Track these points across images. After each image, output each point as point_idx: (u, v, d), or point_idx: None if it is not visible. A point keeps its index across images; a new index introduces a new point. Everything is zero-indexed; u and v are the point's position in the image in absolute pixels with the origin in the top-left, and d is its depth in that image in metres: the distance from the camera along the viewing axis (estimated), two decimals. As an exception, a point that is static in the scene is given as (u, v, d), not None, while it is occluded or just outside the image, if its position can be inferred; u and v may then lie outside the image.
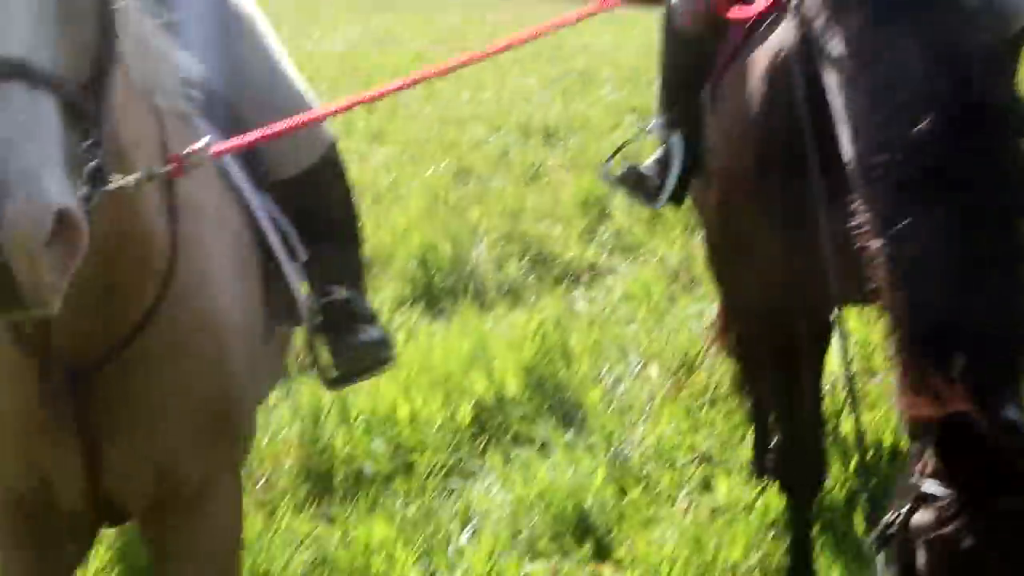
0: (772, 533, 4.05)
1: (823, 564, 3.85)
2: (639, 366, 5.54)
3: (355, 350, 3.18)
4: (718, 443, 4.77)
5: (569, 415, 5.00)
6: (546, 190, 8.69)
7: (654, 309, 6.35)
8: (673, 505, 4.28)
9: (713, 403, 5.07)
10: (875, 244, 2.62)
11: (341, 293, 3.12)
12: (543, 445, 4.73)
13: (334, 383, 3.26)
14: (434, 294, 6.66)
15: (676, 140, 3.93)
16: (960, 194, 2.55)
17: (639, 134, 4.44)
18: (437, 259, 6.89)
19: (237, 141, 2.55)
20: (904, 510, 2.58)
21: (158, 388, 2.39)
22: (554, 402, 5.07)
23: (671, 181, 3.93)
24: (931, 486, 2.51)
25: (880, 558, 2.70)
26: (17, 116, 1.72)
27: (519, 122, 11.21)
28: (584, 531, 4.08)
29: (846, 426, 4.73)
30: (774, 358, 3.69)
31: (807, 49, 2.99)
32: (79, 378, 2.29)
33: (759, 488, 4.30)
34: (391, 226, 7.50)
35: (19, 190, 1.65)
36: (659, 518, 4.15)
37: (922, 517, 2.53)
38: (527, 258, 7.22)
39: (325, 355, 3.14)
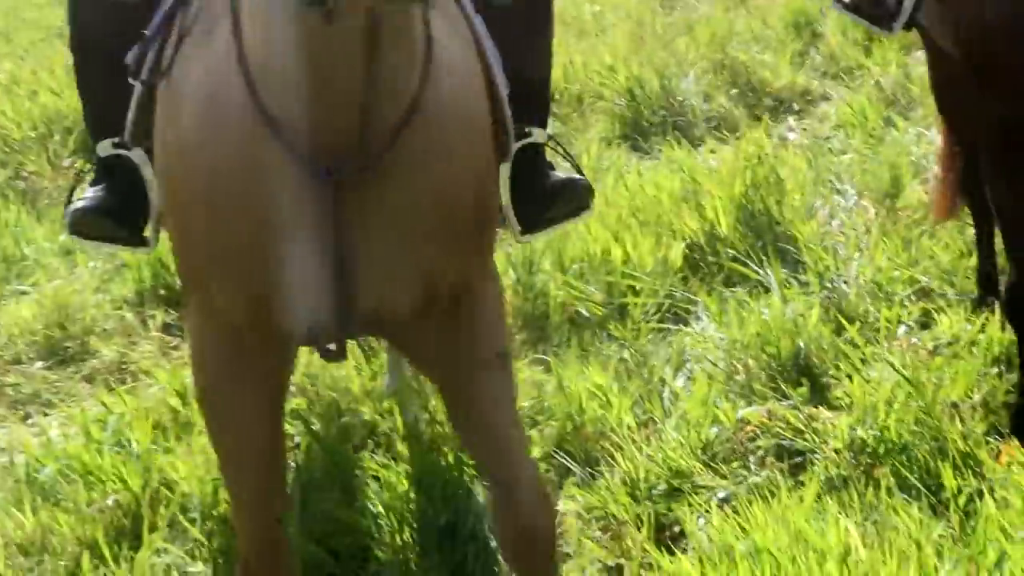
0: (997, 370, 3.97)
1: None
2: (855, 197, 5.41)
3: (549, 195, 3.14)
4: (939, 275, 4.66)
5: (782, 252, 4.91)
6: (755, 13, 8.43)
7: (870, 136, 6.16)
8: (892, 343, 4.22)
9: (933, 233, 4.93)
10: None
11: (541, 135, 3.09)
12: (757, 284, 4.70)
13: (526, 230, 3.17)
14: (643, 130, 6.62)
15: None
16: None
17: None
18: (644, 94, 6.82)
19: None
20: None
21: (420, 192, 2.36)
22: (767, 239, 4.98)
23: (909, 3, 3.68)
24: None
25: None
26: None
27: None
28: (800, 372, 4.06)
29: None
30: (1007, 178, 3.56)
31: None
32: (339, 181, 2.27)
33: (983, 322, 4.20)
34: (598, 61, 7.44)
35: None
36: (877, 357, 4.09)
37: None
38: (737, 88, 7.08)
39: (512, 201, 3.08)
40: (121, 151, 2.82)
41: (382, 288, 2.38)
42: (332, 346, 2.45)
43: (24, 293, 5.12)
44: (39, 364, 4.61)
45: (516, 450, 2.61)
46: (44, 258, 5.34)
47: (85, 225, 2.97)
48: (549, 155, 3.25)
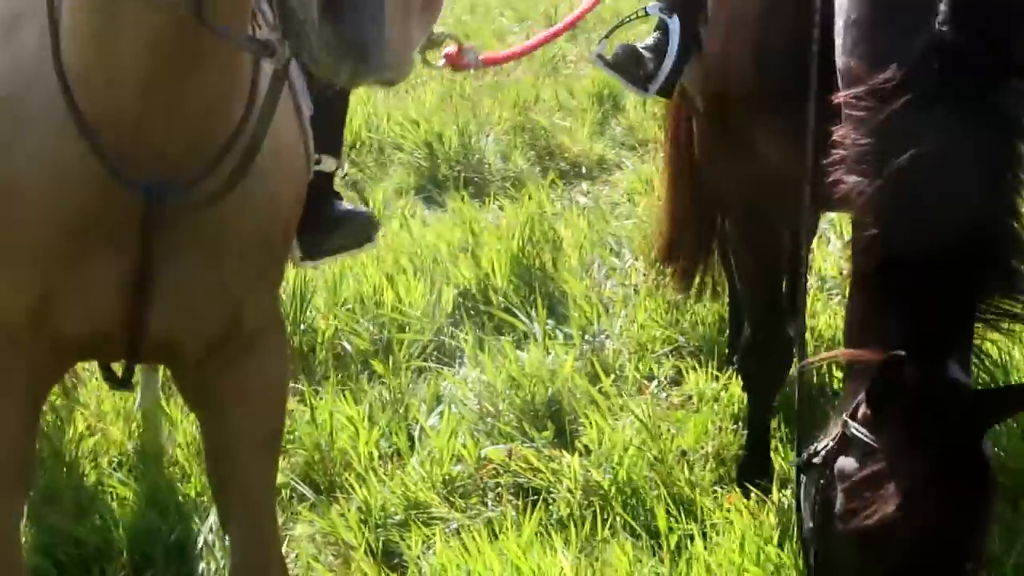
0: (734, 425, 4.15)
1: (779, 457, 3.94)
2: (630, 260, 5.61)
3: (333, 224, 3.14)
4: (696, 336, 4.86)
5: (553, 305, 5.08)
6: (563, 83, 8.69)
7: (655, 205, 6.39)
8: (640, 395, 4.38)
9: (698, 297, 5.14)
10: (852, 155, 2.68)
11: (329, 164, 3.09)
12: (524, 333, 4.84)
13: (307, 256, 3.11)
14: (438, 183, 6.75)
15: (674, 23, 3.81)
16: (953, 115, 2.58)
17: (633, 15, 4.37)
18: (443, 149, 6.97)
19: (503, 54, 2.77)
20: (828, 447, 2.67)
21: (235, 218, 2.30)
22: (538, 291, 5.14)
23: (667, 65, 3.81)
24: (858, 430, 2.59)
25: (803, 482, 2.79)
26: None
27: (546, 12, 11.12)
28: (551, 417, 4.18)
29: (819, 322, 4.82)
30: (753, 250, 3.75)
31: None
32: (153, 197, 2.19)
33: (726, 380, 4.39)
34: (403, 114, 7.58)
35: None
36: (626, 408, 4.25)
37: (845, 461, 2.59)
38: (535, 151, 7.28)
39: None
40: None
41: (181, 314, 2.33)
42: (117, 369, 2.45)
43: None
44: None
45: (265, 540, 2.66)
46: None
47: None
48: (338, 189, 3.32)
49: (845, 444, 2.61)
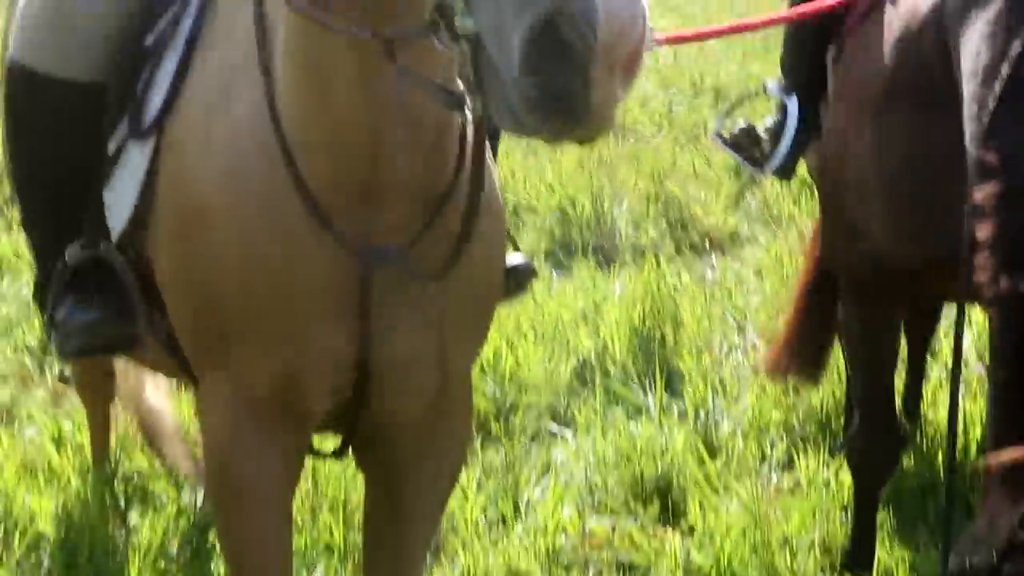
0: (840, 513, 4.12)
1: (886, 554, 3.89)
2: (752, 339, 5.63)
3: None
4: (812, 419, 4.84)
5: (670, 379, 5.09)
6: (701, 152, 8.73)
7: (784, 283, 6.38)
8: (752, 478, 4.40)
9: (817, 381, 5.12)
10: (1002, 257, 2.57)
11: None
12: (638, 408, 4.89)
13: None
14: (568, 249, 6.85)
15: (792, 103, 3.83)
16: None
17: (752, 95, 4.41)
18: (576, 214, 7.07)
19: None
20: (994, 551, 2.46)
21: (450, 284, 2.24)
22: (655, 365, 5.15)
23: (783, 146, 3.84)
24: None
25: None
26: None
27: (691, 79, 11.18)
28: (657, 494, 4.19)
29: (938, 414, 4.76)
30: (864, 336, 3.71)
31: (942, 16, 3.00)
32: (374, 260, 2.17)
33: (837, 467, 4.37)
34: (539, 177, 7.71)
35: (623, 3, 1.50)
36: (735, 489, 4.27)
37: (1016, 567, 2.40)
38: (667, 221, 7.33)
39: None
40: (90, 251, 2.52)
41: (401, 387, 2.31)
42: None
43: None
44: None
45: None
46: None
47: (92, 337, 2.56)
48: None
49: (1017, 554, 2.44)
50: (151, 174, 2.34)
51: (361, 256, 2.17)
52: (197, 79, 2.30)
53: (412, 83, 1.99)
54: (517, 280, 2.97)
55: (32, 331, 5.19)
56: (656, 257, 6.41)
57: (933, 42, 3.08)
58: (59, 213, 2.59)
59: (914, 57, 3.18)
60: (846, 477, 4.23)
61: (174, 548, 3.74)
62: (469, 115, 1.95)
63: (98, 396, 3.98)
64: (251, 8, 2.21)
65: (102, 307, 2.51)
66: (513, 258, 2.93)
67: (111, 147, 2.44)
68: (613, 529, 3.96)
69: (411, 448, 2.48)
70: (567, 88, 1.50)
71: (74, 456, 4.21)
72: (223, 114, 2.23)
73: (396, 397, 2.32)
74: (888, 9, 3.35)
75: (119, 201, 2.41)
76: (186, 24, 2.35)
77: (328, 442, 2.73)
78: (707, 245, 7.13)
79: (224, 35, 2.29)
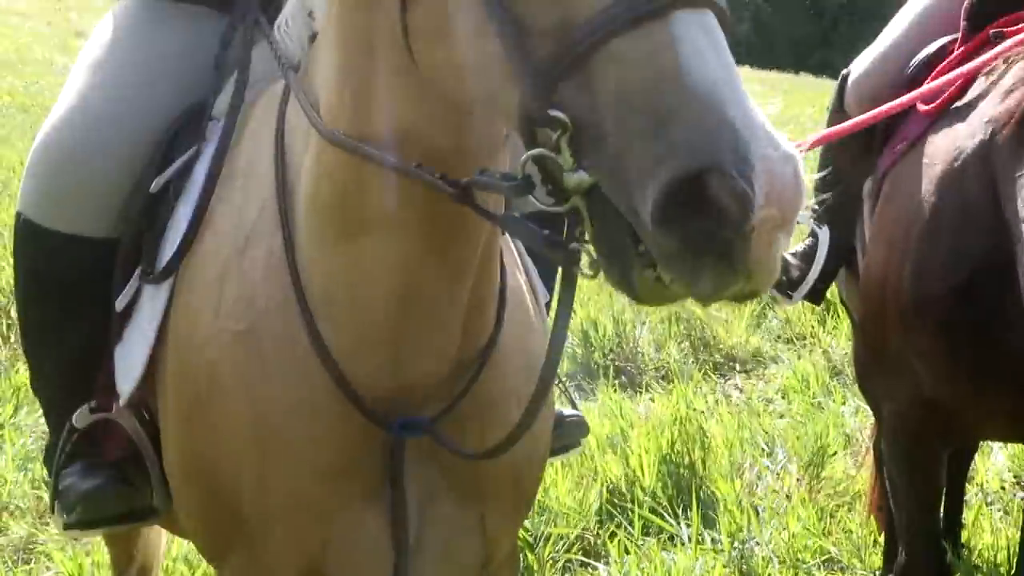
0: None
1: None
2: (783, 462, 5.53)
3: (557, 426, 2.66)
4: (849, 547, 4.74)
5: (702, 506, 5.01)
6: (721, 271, 8.68)
7: (810, 403, 6.32)
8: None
9: (851, 506, 5.05)
10: None
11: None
12: (671, 536, 4.79)
13: None
14: (590, 372, 6.79)
15: (824, 233, 3.79)
16: None
17: None
18: (599, 336, 7.02)
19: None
20: None
21: (490, 441, 1.99)
22: (687, 492, 5.08)
23: (812, 276, 3.79)
24: None
25: None
26: (726, 55, 1.39)
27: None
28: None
29: (983, 540, 4.66)
30: (907, 471, 3.64)
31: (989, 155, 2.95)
32: (406, 433, 1.97)
33: (882, 600, 4.26)
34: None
35: (769, 144, 1.32)
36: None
37: None
38: (689, 341, 7.28)
39: None
40: (100, 414, 2.36)
41: (440, 561, 2.10)
42: None
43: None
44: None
45: None
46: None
47: (94, 511, 2.36)
48: None
49: None
50: (161, 335, 2.16)
51: (391, 429, 1.96)
52: (210, 231, 2.12)
53: (514, 231, 1.76)
54: (568, 433, 2.73)
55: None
56: (681, 378, 6.36)
57: (978, 178, 3.03)
58: (68, 373, 2.43)
59: (957, 194, 3.12)
60: (889, 609, 4.13)
61: None
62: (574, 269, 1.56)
63: (120, 537, 3.85)
64: (270, 147, 2.07)
65: (109, 474, 2.35)
66: (563, 410, 2.73)
67: (121, 304, 2.24)
68: None
69: None
70: (718, 234, 1.30)
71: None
72: (237, 269, 2.03)
73: (436, 571, 2.11)
74: (930, 143, 3.30)
75: (129, 361, 2.22)
76: (200, 171, 2.19)
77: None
78: (731, 365, 7.07)
79: (242, 181, 2.12)
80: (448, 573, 2.11)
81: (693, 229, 1.30)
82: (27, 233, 2.42)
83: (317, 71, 1.93)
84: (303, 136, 1.96)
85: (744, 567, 4.51)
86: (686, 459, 5.33)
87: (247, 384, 1.97)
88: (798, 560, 4.62)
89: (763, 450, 5.66)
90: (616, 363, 6.81)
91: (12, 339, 6.31)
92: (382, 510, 1.99)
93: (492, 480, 2.09)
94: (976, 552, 4.63)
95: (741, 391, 6.72)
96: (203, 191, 2.13)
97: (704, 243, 1.30)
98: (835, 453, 5.45)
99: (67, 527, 2.39)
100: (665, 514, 4.86)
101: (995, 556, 4.57)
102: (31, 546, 4.60)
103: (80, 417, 2.38)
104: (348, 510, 1.98)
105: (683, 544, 4.64)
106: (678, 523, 4.79)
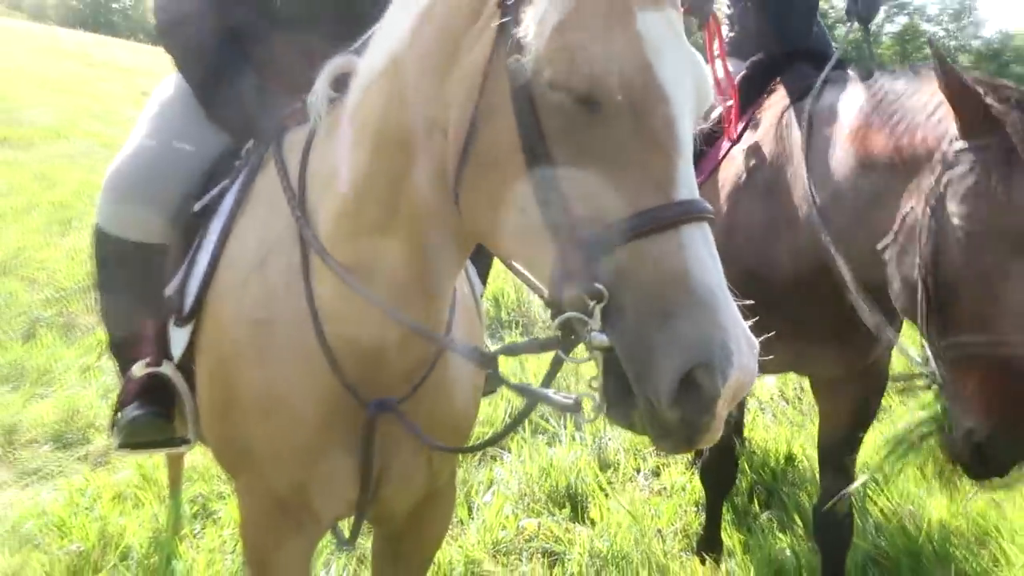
0: (694, 508, 4.07)
1: (727, 538, 3.84)
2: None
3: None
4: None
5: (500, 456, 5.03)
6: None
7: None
8: (633, 483, 4.33)
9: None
10: None
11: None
12: (554, 434, 4.80)
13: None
14: (501, 324, 6.77)
15: None
16: None
17: None
18: (504, 300, 7.00)
19: None
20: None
21: (439, 413, 1.95)
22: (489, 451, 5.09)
23: None
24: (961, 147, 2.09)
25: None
26: (718, 260, 1.28)
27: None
28: (569, 498, 4.10)
29: (757, 435, 4.73)
30: None
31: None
32: (380, 410, 1.84)
33: (691, 474, 4.31)
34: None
35: (748, 348, 1.24)
36: (623, 492, 4.19)
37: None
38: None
39: None
40: (152, 369, 2.25)
41: (398, 491, 2.02)
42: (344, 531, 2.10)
43: (47, 397, 5.00)
44: (47, 447, 4.49)
45: None
46: (69, 373, 5.27)
47: (136, 436, 2.31)
48: None
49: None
50: (199, 320, 2.05)
51: (369, 407, 1.84)
52: (238, 242, 1.98)
53: (530, 398, 1.55)
54: (490, 383, 2.61)
55: (123, 396, 4.99)
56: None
57: (758, 194, 2.92)
58: (130, 339, 2.30)
59: (744, 204, 2.98)
60: (697, 482, 4.19)
61: (228, 551, 3.57)
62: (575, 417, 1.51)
63: (173, 457, 3.79)
64: (294, 180, 1.89)
65: (154, 408, 2.25)
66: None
67: (169, 291, 2.13)
68: (539, 525, 3.85)
69: (408, 524, 2.21)
70: (700, 423, 1.24)
71: (153, 487, 4.04)
72: (260, 273, 1.89)
73: (392, 502, 2.05)
74: (721, 170, 3.14)
75: (176, 335, 2.12)
76: (230, 198, 2.06)
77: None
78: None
79: (266, 207, 1.97)
80: (403, 492, 2.04)
81: (686, 411, 1.22)
82: (101, 239, 2.33)
83: (336, 166, 1.77)
84: (320, 182, 1.83)
85: (601, 455, 4.53)
86: (565, 389, 5.33)
87: (262, 359, 1.85)
88: (638, 449, 4.65)
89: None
90: (517, 319, 6.79)
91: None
92: (355, 454, 1.89)
93: (440, 428, 1.98)
94: (754, 443, 4.70)
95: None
96: (230, 213, 2.03)
97: (689, 422, 1.23)
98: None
99: (119, 447, 2.33)
100: (550, 419, 4.87)
101: (766, 447, 4.64)
102: (108, 454, 4.49)
103: (137, 368, 2.28)
104: (330, 454, 1.88)
105: (560, 442, 4.65)
106: (559, 426, 4.81)
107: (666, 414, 1.23)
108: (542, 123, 1.31)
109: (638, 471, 4.43)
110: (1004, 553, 3.59)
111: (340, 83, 1.85)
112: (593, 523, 3.90)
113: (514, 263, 1.46)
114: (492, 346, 3.18)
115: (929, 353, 2.19)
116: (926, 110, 2.30)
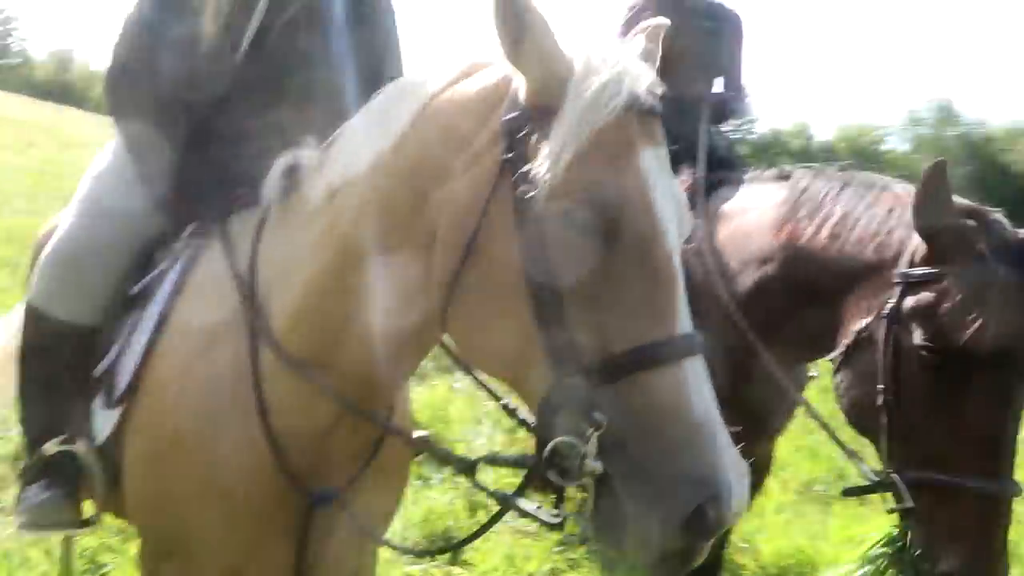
0: (561, 548, 3.97)
1: None
2: (493, 430, 5.46)
3: None
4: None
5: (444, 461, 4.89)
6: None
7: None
8: (504, 524, 4.22)
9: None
10: None
11: None
12: (428, 479, 4.62)
13: None
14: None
15: None
16: None
17: None
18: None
19: None
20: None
21: (376, 497, 1.78)
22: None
23: None
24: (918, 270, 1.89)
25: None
26: (711, 391, 1.21)
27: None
28: (446, 541, 3.94)
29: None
30: None
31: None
32: (321, 501, 1.66)
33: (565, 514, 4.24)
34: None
35: (742, 477, 1.18)
36: (500, 534, 4.06)
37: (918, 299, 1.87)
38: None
39: None
40: (66, 447, 1.98)
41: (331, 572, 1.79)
42: None
43: None
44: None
45: None
46: None
47: (42, 519, 2.02)
48: None
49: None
50: (131, 404, 1.80)
51: (311, 496, 1.65)
52: (179, 328, 1.75)
53: (513, 508, 1.45)
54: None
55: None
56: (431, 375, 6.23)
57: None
58: (47, 418, 2.03)
59: None
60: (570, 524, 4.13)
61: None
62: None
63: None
64: (245, 262, 1.68)
65: (62, 490, 1.99)
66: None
67: (98, 372, 1.89)
68: (423, 571, 3.69)
69: None
70: (699, 548, 1.19)
71: (41, 543, 3.63)
72: (203, 360, 1.67)
73: None
74: None
75: (103, 416, 1.86)
76: (171, 277, 1.83)
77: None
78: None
79: (210, 289, 1.74)
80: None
81: (690, 540, 1.16)
82: (33, 315, 2.07)
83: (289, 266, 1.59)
84: (274, 272, 1.64)
85: (470, 497, 4.40)
86: (435, 429, 5.22)
87: (204, 449, 1.63)
88: (506, 492, 4.55)
89: (485, 423, 5.59)
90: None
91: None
92: (292, 542, 1.69)
93: (374, 519, 1.83)
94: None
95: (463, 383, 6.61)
96: (170, 296, 1.79)
97: (690, 548, 1.18)
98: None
99: (22, 527, 2.04)
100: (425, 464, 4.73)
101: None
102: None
103: (50, 446, 2.01)
104: (268, 543, 1.68)
105: (431, 486, 4.51)
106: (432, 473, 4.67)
107: (672, 543, 1.16)
108: (551, 253, 1.23)
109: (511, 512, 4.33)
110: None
111: (294, 172, 1.68)
112: (471, 566, 3.77)
113: (496, 378, 1.35)
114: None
115: (895, 477, 1.92)
116: (879, 220, 2.05)
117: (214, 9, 1.90)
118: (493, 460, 1.43)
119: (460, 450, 4.95)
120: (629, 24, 3.03)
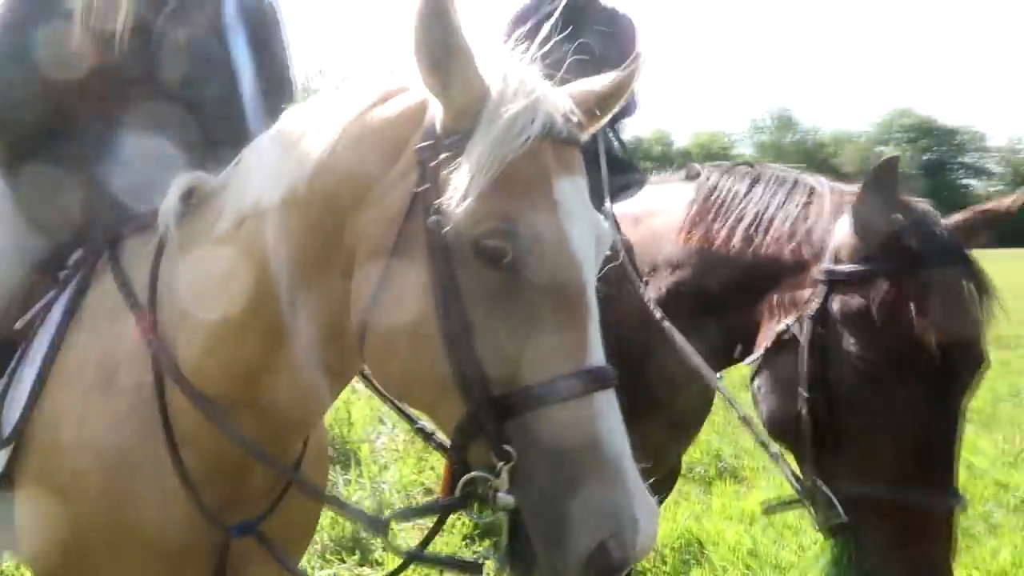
0: (466, 543, 3.94)
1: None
2: (396, 431, 5.38)
3: None
4: (437, 479, 4.68)
5: (348, 462, 4.79)
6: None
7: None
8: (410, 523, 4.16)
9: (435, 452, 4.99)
10: None
11: None
12: (333, 482, 4.50)
13: None
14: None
15: None
16: None
17: None
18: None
19: None
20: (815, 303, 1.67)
21: (293, 524, 1.65)
22: (339, 453, 4.84)
23: None
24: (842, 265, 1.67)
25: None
26: (623, 426, 1.14)
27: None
28: (356, 544, 3.84)
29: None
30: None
31: None
32: (238, 533, 1.52)
33: (458, 515, 4.21)
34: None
35: (650, 514, 1.12)
36: (402, 531, 4.01)
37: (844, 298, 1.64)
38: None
39: None
40: None
41: None
42: None
43: None
44: None
45: None
46: None
47: None
48: None
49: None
50: (22, 442, 1.57)
51: (231, 531, 1.52)
52: (73, 360, 1.55)
53: (432, 565, 1.37)
54: None
55: None
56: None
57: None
58: None
59: None
60: (466, 521, 4.11)
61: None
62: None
63: None
64: (143, 293, 1.52)
65: None
66: None
67: None
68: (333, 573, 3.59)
69: None
70: None
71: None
72: (103, 395, 1.49)
73: None
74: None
75: None
76: (59, 307, 1.62)
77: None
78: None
79: (106, 319, 1.56)
80: None
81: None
82: None
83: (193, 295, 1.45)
84: (178, 302, 1.48)
85: (378, 498, 4.32)
86: (337, 431, 5.09)
87: (110, 490, 1.45)
88: (408, 491, 4.50)
89: (382, 422, 5.50)
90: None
91: None
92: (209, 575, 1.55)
93: (292, 546, 1.69)
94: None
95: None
96: (59, 326, 1.58)
97: None
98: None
99: None
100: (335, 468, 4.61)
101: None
102: None
103: None
104: None
105: (345, 487, 4.40)
106: (337, 475, 4.55)
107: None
108: (460, 283, 1.15)
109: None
110: None
111: (192, 195, 1.53)
112: (381, 565, 3.69)
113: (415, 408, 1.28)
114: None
115: (823, 487, 1.69)
116: (794, 217, 1.84)
117: (83, 4, 1.69)
118: (404, 514, 1.33)
119: (364, 452, 4.85)
120: (515, 23, 2.86)
